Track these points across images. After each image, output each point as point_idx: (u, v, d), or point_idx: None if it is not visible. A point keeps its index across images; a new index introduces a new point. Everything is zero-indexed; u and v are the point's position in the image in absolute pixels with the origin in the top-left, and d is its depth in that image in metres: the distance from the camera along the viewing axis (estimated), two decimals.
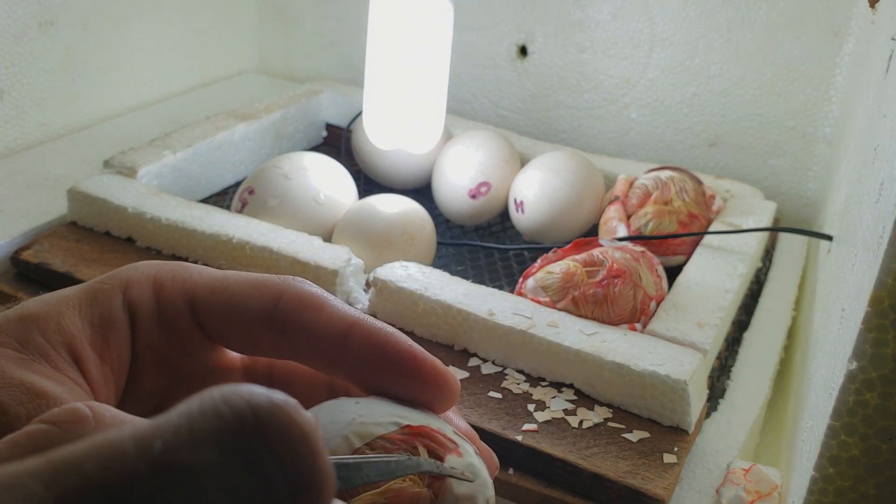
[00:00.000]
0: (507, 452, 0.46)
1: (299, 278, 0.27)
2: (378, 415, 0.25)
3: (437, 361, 0.26)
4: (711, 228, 0.65)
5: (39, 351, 0.23)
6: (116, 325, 0.26)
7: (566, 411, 0.48)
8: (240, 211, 0.64)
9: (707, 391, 0.51)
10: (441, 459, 0.24)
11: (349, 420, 0.24)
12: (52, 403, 0.22)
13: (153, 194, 0.63)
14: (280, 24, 1.00)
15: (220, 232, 0.58)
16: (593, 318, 0.53)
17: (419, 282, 0.55)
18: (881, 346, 0.33)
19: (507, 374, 0.51)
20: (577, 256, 0.56)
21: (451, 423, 0.26)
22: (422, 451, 0.24)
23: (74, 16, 0.80)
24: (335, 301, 0.26)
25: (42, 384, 0.22)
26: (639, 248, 0.58)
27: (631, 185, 0.67)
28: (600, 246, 0.57)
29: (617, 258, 0.55)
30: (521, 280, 0.57)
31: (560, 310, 0.53)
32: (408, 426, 0.25)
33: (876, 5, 0.66)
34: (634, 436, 0.47)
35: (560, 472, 0.45)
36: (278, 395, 0.16)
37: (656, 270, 0.57)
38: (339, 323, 0.25)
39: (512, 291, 0.56)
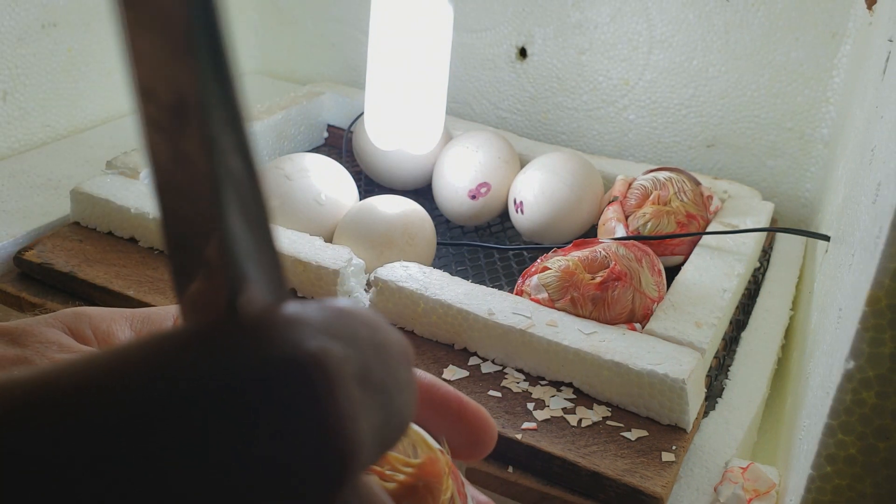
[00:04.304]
0: (506, 451, 0.46)
1: None
2: None
3: (481, 407, 0.27)
4: (709, 229, 0.65)
5: (84, 340, 0.25)
6: None
7: (565, 410, 0.49)
8: None
9: (705, 390, 0.52)
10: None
11: None
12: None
13: None
14: (281, 26, 1.00)
15: None
16: (590, 319, 0.53)
17: (419, 282, 0.55)
18: (878, 345, 0.33)
19: (506, 373, 0.52)
20: (580, 253, 0.56)
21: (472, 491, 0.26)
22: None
23: (77, 17, 0.80)
24: None
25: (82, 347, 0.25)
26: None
27: (629, 185, 0.68)
28: (604, 242, 0.57)
29: (621, 255, 0.55)
30: (520, 279, 0.57)
31: (559, 308, 0.54)
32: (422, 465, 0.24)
33: (873, 7, 0.66)
34: (633, 434, 0.47)
35: (559, 471, 0.45)
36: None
37: (658, 269, 0.57)
38: None
39: (512, 291, 0.57)
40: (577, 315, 0.53)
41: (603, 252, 0.55)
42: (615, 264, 0.54)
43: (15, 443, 0.13)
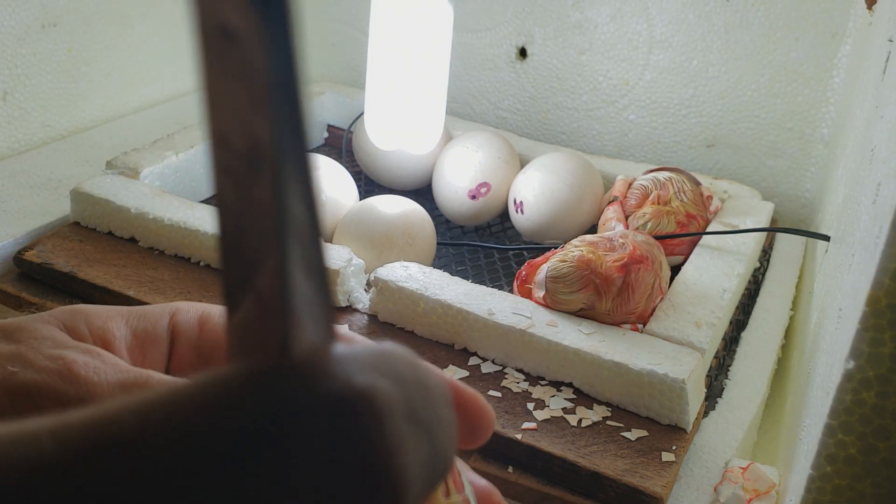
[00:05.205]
0: (506, 451, 0.47)
1: None
2: None
3: (477, 392, 0.26)
4: (709, 229, 0.65)
5: (79, 337, 0.25)
6: (156, 342, 0.28)
7: (565, 410, 0.49)
8: None
9: (705, 390, 0.52)
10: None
11: None
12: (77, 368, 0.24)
13: (156, 195, 0.63)
14: None
15: None
16: (611, 308, 0.53)
17: (419, 282, 0.55)
18: (878, 345, 0.33)
19: (506, 373, 0.52)
20: (594, 237, 0.56)
21: (470, 476, 0.26)
22: None
23: (77, 17, 0.80)
24: None
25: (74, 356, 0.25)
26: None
27: (629, 185, 0.68)
28: (623, 229, 0.57)
29: (640, 241, 0.55)
30: (521, 273, 0.57)
31: (580, 301, 0.53)
32: None
33: (873, 7, 0.66)
34: (633, 434, 0.47)
35: (559, 471, 0.45)
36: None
37: (667, 266, 0.57)
38: None
39: (511, 291, 0.57)
40: (598, 305, 0.53)
41: (620, 240, 0.55)
42: (634, 248, 0.54)
43: (81, 484, 0.13)
